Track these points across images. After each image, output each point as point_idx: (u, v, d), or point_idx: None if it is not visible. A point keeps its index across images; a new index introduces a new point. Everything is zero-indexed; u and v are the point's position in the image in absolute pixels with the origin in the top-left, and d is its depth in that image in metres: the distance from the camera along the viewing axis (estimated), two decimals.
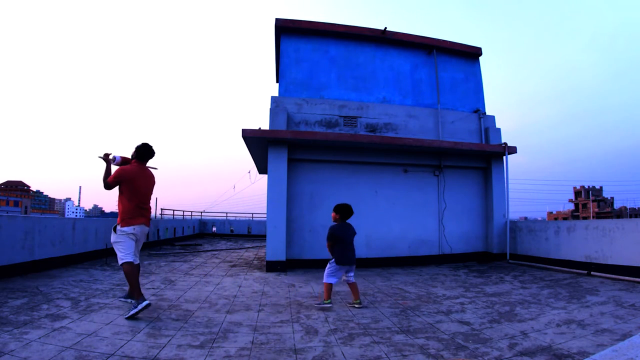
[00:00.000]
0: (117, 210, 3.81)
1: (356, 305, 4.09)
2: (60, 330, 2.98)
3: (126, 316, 3.40)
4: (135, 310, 3.38)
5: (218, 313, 3.75)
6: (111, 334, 2.95)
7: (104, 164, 3.85)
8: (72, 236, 6.69)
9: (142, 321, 3.35)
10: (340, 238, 4.16)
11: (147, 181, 3.95)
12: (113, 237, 3.70)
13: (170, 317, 3.52)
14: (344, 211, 4.29)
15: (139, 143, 3.95)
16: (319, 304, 4.08)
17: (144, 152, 3.93)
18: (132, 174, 3.77)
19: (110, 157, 3.85)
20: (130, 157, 4.00)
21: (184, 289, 4.87)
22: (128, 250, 3.66)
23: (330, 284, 4.09)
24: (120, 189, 3.76)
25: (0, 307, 3.56)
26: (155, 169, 4.15)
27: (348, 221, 4.33)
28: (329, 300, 4.06)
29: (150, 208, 4.00)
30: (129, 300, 3.83)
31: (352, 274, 4.20)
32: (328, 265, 4.18)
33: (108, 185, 3.72)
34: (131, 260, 3.64)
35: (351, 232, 4.28)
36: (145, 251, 9.50)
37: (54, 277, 5.24)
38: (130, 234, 3.68)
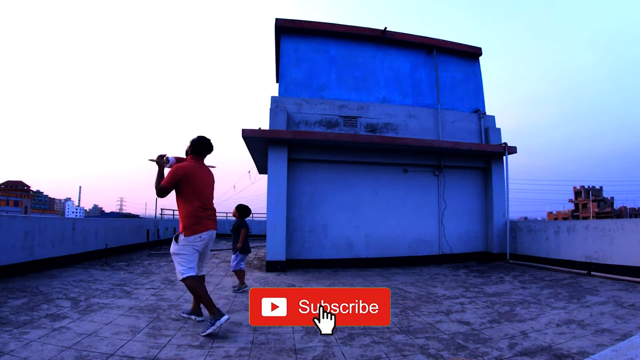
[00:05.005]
0: (178, 217, 3.31)
1: (244, 288, 4.87)
2: (60, 330, 2.98)
3: (203, 333, 3.00)
4: (212, 328, 2.97)
5: None
6: (111, 334, 2.95)
7: (154, 168, 3.24)
8: (72, 236, 6.69)
9: (142, 321, 3.35)
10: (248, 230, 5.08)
11: (208, 178, 3.41)
12: (174, 248, 3.17)
13: (170, 317, 3.52)
14: (244, 211, 5.21)
15: (195, 136, 3.37)
16: (238, 290, 4.81)
17: (202, 146, 3.35)
18: (190, 170, 3.21)
19: (164, 158, 3.28)
20: (184, 155, 3.46)
21: (184, 289, 4.86)
22: (191, 263, 3.15)
23: (243, 271, 5.00)
24: (178, 191, 3.20)
25: (0, 307, 3.56)
26: (213, 167, 3.60)
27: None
28: (245, 285, 4.92)
29: (215, 209, 3.43)
30: (193, 317, 3.43)
31: (244, 262, 5.14)
32: (234, 257, 4.93)
33: (164, 190, 3.12)
34: (194, 274, 3.14)
35: None
36: (145, 251, 9.50)
37: (54, 277, 5.23)
38: (196, 243, 3.17)
